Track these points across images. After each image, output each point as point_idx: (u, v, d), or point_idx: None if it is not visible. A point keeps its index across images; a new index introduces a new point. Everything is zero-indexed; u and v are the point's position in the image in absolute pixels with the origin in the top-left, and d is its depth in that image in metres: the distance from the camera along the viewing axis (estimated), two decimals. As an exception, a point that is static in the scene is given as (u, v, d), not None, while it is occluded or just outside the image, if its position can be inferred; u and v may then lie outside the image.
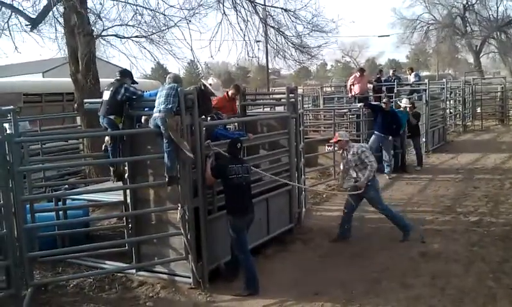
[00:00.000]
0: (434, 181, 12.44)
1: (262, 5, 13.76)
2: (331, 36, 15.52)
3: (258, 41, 14.75)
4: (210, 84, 7.46)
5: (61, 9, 10.96)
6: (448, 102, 19.81)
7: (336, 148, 8.41)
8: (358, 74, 17.36)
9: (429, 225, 8.90)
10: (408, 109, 13.70)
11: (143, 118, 6.75)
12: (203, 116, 7.02)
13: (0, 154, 5.73)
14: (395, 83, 18.15)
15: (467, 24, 40.20)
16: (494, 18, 39.27)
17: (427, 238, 8.11)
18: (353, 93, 16.96)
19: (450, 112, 21.14)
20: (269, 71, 37.48)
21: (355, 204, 8.35)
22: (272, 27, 14.20)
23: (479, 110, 23.67)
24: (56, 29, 11.63)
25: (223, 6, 12.93)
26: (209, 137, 6.94)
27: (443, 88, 18.81)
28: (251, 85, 54.41)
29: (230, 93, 8.93)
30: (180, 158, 6.25)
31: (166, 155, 6.17)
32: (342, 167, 8.56)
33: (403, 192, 11.43)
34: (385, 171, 12.94)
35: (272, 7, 14.01)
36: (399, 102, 13.93)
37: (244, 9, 13.20)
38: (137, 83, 7.19)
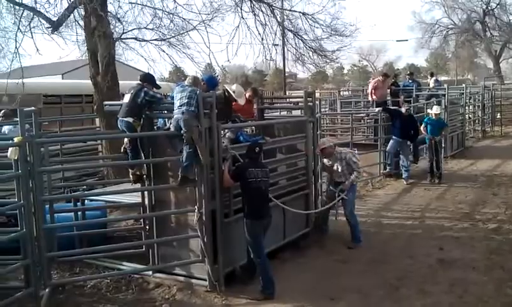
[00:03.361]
0: (453, 187, 12.31)
1: (280, 8, 13.75)
2: (351, 40, 15.38)
3: (276, 44, 14.74)
4: (233, 91, 7.51)
5: (82, 12, 11.08)
6: (467, 108, 19.60)
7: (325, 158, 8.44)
8: (381, 78, 17.08)
9: (447, 232, 8.82)
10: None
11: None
12: (224, 120, 7.09)
13: (21, 155, 5.81)
14: (414, 87, 17.98)
15: (487, 29, 39.82)
16: (514, 23, 38.84)
17: (445, 246, 8.03)
18: (374, 98, 16.66)
19: (469, 118, 20.90)
20: (286, 74, 37.47)
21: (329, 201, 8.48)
22: (290, 31, 14.20)
23: (498, 115, 23.43)
24: (76, 31, 11.77)
25: (241, 9, 12.95)
26: (233, 142, 6.97)
27: (462, 93, 18.64)
28: (267, 88, 54.55)
29: (247, 95, 8.90)
30: (199, 162, 6.28)
31: (184, 155, 6.19)
32: (328, 172, 8.67)
33: (421, 198, 11.34)
34: (403, 177, 12.86)
35: (291, 11, 13.99)
36: (429, 110, 13.56)
37: (262, 12, 13.20)
38: (160, 87, 7.25)
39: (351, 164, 8.21)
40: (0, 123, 10.17)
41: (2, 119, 10.38)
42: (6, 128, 9.72)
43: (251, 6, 13.04)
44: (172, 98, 6.90)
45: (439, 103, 16.08)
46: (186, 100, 6.20)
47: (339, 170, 8.26)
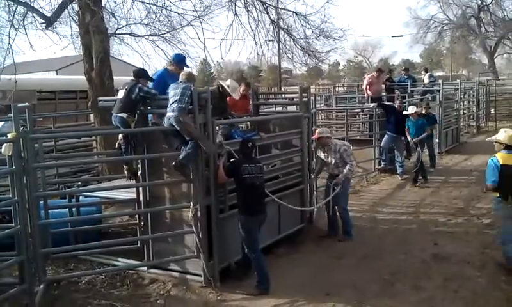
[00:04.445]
0: (447, 182, 12.36)
1: (274, 6, 13.74)
2: (341, 43, 15.41)
3: (271, 40, 14.72)
4: (227, 86, 7.49)
5: (76, 7, 11.03)
6: (462, 103, 19.65)
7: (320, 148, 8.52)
8: (375, 74, 17.08)
9: (441, 227, 8.85)
10: (423, 110, 13.55)
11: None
12: (220, 116, 7.09)
13: (15, 151, 5.78)
14: (409, 83, 18.01)
15: (482, 24, 39.91)
16: (509, 19, 38.93)
17: (440, 241, 8.06)
18: (369, 93, 16.65)
19: (464, 113, 20.95)
20: (281, 70, 37.46)
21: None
22: (282, 29, 14.20)
23: (492, 111, 23.51)
24: (71, 27, 11.71)
25: (235, 5, 12.92)
26: (226, 138, 6.97)
27: (457, 89, 18.67)
28: (263, 84, 54.45)
29: (240, 90, 8.81)
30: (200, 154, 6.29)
31: (189, 145, 6.19)
32: (317, 163, 8.74)
33: (416, 194, 11.36)
34: (398, 172, 12.88)
35: (284, 9, 14.00)
36: (405, 112, 12.89)
37: (256, 9, 13.18)
38: (154, 80, 7.22)
39: (344, 157, 8.22)
40: None
41: None
42: (0, 124, 9.68)
43: (244, 2, 13.02)
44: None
45: (434, 99, 16.14)
46: (178, 97, 6.18)
47: (332, 162, 8.29)
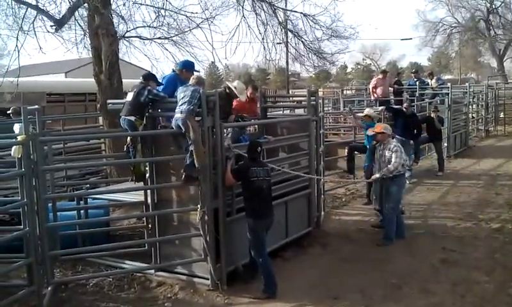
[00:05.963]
0: (456, 187, 12.27)
1: (282, 9, 13.70)
2: (350, 42, 15.35)
3: (279, 43, 14.69)
4: (235, 87, 7.49)
5: (85, 11, 11.09)
6: (470, 107, 19.56)
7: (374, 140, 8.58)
8: (380, 76, 17.05)
9: (450, 231, 8.79)
10: (432, 113, 13.54)
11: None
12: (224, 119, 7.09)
13: (25, 153, 5.82)
14: (417, 86, 17.92)
15: (491, 27, 39.72)
16: (519, 22, 38.74)
17: (448, 245, 8.02)
18: (376, 96, 16.62)
19: (473, 117, 20.86)
20: (289, 73, 37.41)
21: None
22: (291, 31, 14.17)
23: (501, 115, 23.39)
24: (82, 29, 11.76)
25: (243, 8, 12.91)
26: (234, 142, 6.99)
27: (466, 92, 18.60)
28: (270, 87, 54.39)
29: (248, 93, 8.79)
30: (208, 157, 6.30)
31: (188, 153, 6.21)
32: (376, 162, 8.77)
33: (424, 198, 11.30)
34: (405, 176, 12.80)
35: (292, 11, 13.95)
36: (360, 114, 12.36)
37: (264, 12, 13.15)
38: (162, 84, 7.25)
39: (393, 157, 8.23)
40: (6, 121, 10.25)
41: (12, 116, 10.47)
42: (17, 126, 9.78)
43: (252, 5, 13.01)
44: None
45: (442, 102, 16.10)
46: (187, 100, 6.20)
47: (386, 161, 8.34)
